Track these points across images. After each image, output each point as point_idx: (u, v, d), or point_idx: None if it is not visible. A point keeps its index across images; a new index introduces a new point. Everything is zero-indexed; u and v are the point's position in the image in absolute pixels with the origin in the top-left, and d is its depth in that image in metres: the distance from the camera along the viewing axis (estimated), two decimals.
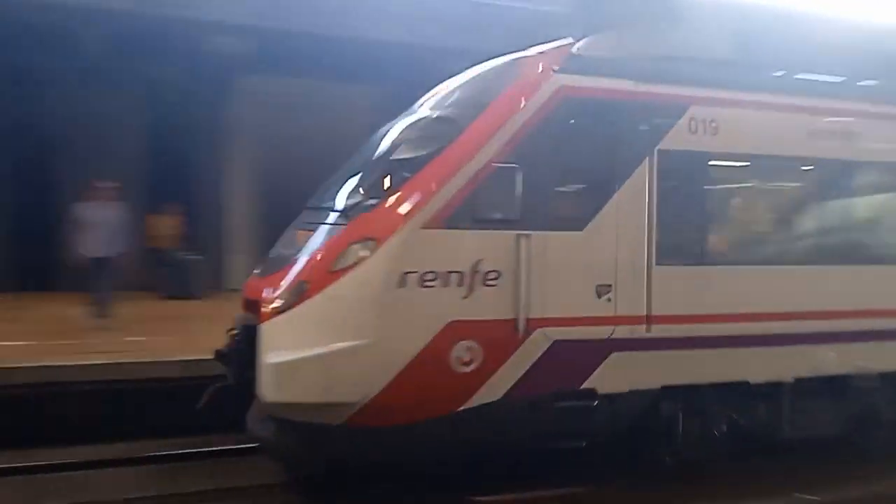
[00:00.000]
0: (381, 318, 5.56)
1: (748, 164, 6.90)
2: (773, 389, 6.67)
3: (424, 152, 5.99)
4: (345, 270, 5.51)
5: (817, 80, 7.18)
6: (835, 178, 7.03)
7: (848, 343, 6.70)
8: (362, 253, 5.54)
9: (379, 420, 5.62)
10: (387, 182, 6.05)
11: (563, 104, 6.12)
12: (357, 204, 5.97)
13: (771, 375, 6.64)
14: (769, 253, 6.94)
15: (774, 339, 6.53)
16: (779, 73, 7.11)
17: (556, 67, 6.18)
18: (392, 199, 5.78)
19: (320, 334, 5.52)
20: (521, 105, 6.02)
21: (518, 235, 5.84)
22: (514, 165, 5.91)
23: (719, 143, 6.49)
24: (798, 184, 7.24)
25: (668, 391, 6.35)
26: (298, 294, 5.56)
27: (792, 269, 6.73)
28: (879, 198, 7.12)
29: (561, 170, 6.17)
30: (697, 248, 6.54)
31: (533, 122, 6.01)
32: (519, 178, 5.90)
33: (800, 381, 6.70)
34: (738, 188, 7.07)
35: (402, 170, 6.00)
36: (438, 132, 6.16)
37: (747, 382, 6.60)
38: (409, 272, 5.58)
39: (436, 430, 5.79)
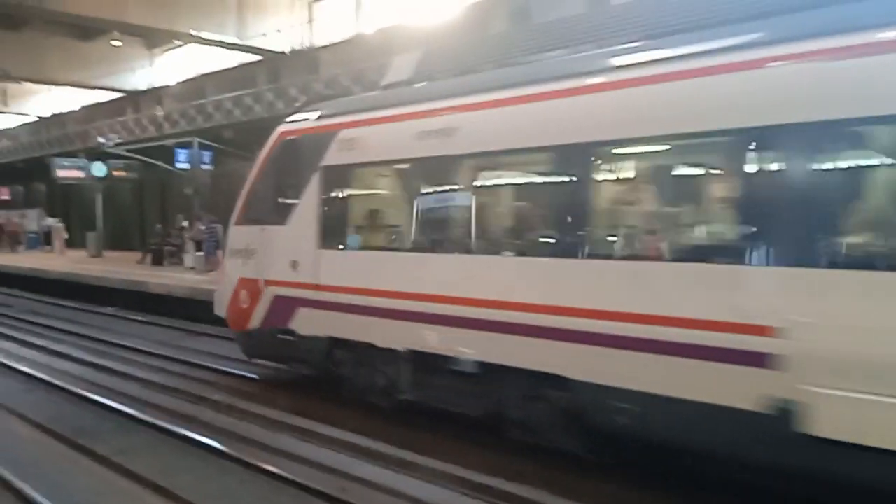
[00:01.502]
0: (224, 274, 10.36)
1: (374, 169, 8.52)
2: (396, 355, 7.72)
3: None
4: None
5: (424, 87, 8.08)
6: (438, 173, 7.51)
7: (449, 326, 7.07)
8: None
9: (230, 327, 10.20)
10: None
11: (280, 143, 9.27)
12: None
13: (389, 343, 7.73)
14: (392, 242, 8.26)
15: (392, 312, 7.54)
16: (395, 90, 8.46)
17: (282, 126, 9.40)
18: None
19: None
20: (265, 148, 9.53)
21: (260, 228, 9.28)
22: (259, 184, 9.56)
23: (355, 155, 8.22)
24: (411, 181, 7.98)
25: (335, 341, 8.35)
26: None
27: (406, 256, 7.79)
28: (482, 189, 7.51)
29: (277, 185, 9.25)
30: (344, 237, 8.37)
31: (267, 156, 9.46)
32: (260, 192, 9.52)
33: (418, 353, 7.49)
34: (368, 189, 8.82)
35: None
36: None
37: (375, 346, 7.88)
38: (232, 248, 9.98)
39: (244, 338, 9.81)
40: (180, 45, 30.71)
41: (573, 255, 6.23)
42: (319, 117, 8.90)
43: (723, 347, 5.18)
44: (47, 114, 40.29)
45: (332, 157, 8.42)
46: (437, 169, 7.51)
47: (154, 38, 30.18)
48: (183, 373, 10.70)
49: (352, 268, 8.20)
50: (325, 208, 8.48)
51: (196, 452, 7.32)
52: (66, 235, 32.31)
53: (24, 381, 10.48)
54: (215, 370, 10.67)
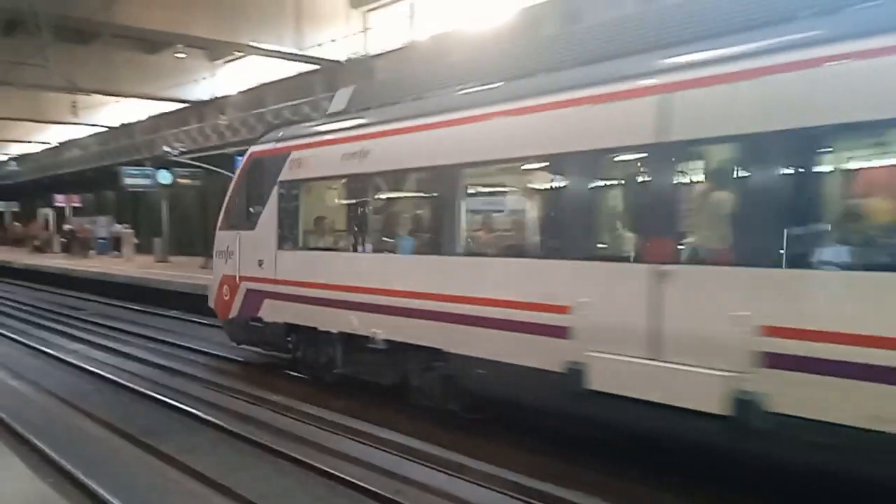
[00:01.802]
0: (213, 272, 12.16)
1: (315, 183, 10.17)
2: (331, 336, 9.42)
3: None
4: None
5: (349, 117, 9.75)
6: (356, 187, 9.26)
7: (365, 312, 8.72)
8: None
9: (218, 316, 12.00)
10: None
11: (250, 161, 11.17)
12: None
13: (326, 326, 9.42)
14: (326, 243, 10.06)
15: (327, 301, 9.29)
16: (331, 119, 10.16)
17: (253, 147, 11.38)
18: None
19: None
20: (241, 165, 11.67)
21: (236, 233, 11.20)
22: (235, 196, 11.49)
23: (302, 172, 10.04)
24: (340, 194, 9.84)
25: (290, 326, 10.12)
26: None
27: (335, 255, 9.66)
28: (382, 200, 9.52)
29: (248, 196, 11.09)
30: (295, 239, 10.13)
31: (241, 172, 11.48)
32: (237, 202, 11.44)
33: (346, 334, 9.17)
34: (311, 200, 10.24)
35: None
36: None
37: (317, 329, 9.59)
38: (217, 250, 11.81)
39: (228, 326, 11.65)
40: (241, 56, 31.53)
41: (439, 253, 7.99)
42: (278, 140, 10.73)
43: (531, 321, 6.84)
44: (116, 124, 41.82)
45: (286, 173, 10.24)
46: (355, 184, 9.27)
47: (216, 50, 31.06)
48: (243, 374, 11.01)
49: (299, 265, 9.98)
50: (282, 216, 10.25)
51: (255, 452, 7.54)
52: (135, 241, 33.45)
53: (94, 382, 10.95)
54: (273, 372, 10.95)
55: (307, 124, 11.13)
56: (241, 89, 32.92)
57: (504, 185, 8.45)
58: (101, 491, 6.26)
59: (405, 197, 9.53)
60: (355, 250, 9.22)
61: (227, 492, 6.40)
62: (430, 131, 8.19)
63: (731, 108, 5.62)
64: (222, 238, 11.62)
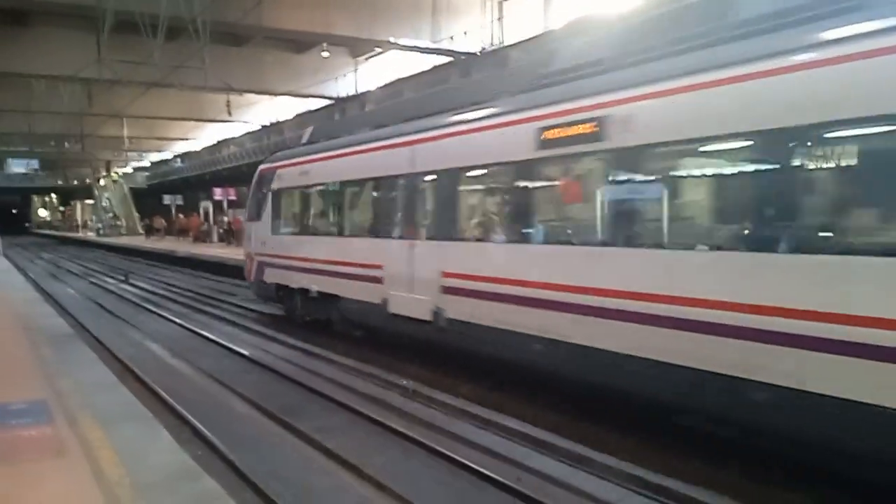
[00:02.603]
0: (243, 250, 17.39)
1: (290, 191, 14.48)
2: (296, 291, 13.92)
3: None
4: None
5: (304, 148, 14.45)
6: (303, 195, 14.13)
7: (310, 274, 13.18)
8: None
9: (246, 280, 16.87)
10: None
11: (259, 174, 15.51)
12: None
13: (295, 285, 13.82)
14: (296, 229, 14.27)
15: (294, 267, 13.77)
16: (299, 147, 14.98)
17: (262, 165, 15.79)
18: None
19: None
20: (254, 176, 15.80)
21: (253, 223, 15.73)
22: (251, 197, 15.88)
23: (283, 183, 14.52)
24: (301, 199, 14.31)
25: (278, 286, 14.52)
26: None
27: (298, 237, 14.02)
28: (314, 203, 14.08)
29: (257, 198, 15.50)
30: (280, 227, 14.66)
31: (253, 182, 15.77)
32: (252, 202, 15.87)
33: (304, 290, 13.57)
34: (296, 202, 14.47)
35: None
36: None
37: (291, 287, 14.06)
38: (245, 235, 17.04)
39: (253, 287, 16.18)
40: (381, 52, 32.46)
41: (334, 235, 12.73)
42: (272, 161, 15.44)
43: (368, 274, 11.16)
44: (266, 122, 44.31)
45: (275, 184, 14.75)
46: (303, 192, 14.06)
47: (358, 48, 32.16)
48: (376, 359, 11.41)
49: (279, 244, 14.51)
50: (273, 211, 14.83)
51: (385, 434, 7.83)
52: None
53: (243, 363, 11.74)
54: (403, 357, 11.26)
55: (288, 151, 15.57)
56: (381, 84, 33.90)
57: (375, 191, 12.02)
58: (242, 467, 6.72)
59: (325, 200, 13.65)
60: (304, 234, 13.92)
61: (357, 471, 6.69)
62: (339, 158, 12.42)
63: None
64: (246, 227, 16.96)
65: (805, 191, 5.79)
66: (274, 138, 43.28)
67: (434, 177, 9.81)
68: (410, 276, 10.00)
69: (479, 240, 9.15)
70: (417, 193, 10.19)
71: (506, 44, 25.90)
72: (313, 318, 13.60)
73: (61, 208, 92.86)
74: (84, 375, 8.06)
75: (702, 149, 6.53)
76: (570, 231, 8.06)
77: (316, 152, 13.34)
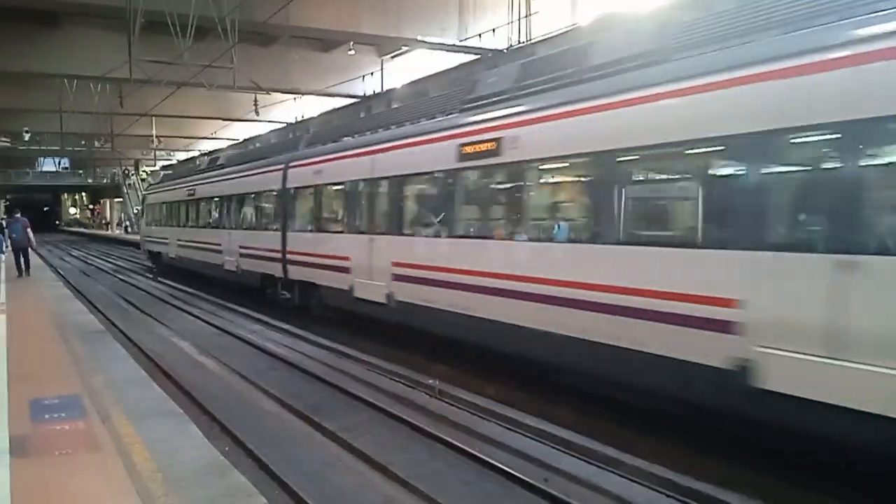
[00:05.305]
0: None
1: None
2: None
3: None
4: None
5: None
6: (315, 194, 14.81)
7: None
8: None
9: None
10: None
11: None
12: None
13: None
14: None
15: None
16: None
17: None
18: None
19: None
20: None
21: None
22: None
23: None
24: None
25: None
26: None
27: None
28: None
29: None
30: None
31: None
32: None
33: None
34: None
35: None
36: None
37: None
38: None
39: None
40: (408, 50, 32.46)
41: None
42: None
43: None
44: (292, 120, 44.57)
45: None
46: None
47: (384, 46, 32.18)
48: (402, 358, 11.42)
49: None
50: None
51: (410, 433, 7.83)
52: None
53: (270, 361, 11.81)
54: (430, 357, 11.25)
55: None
56: (406, 82, 33.92)
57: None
58: (269, 464, 6.76)
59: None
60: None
61: (383, 470, 6.69)
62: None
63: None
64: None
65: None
66: (301, 134, 43.45)
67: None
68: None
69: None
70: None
71: (533, 40, 25.77)
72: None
73: (90, 206, 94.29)
74: (115, 371, 8.17)
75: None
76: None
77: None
